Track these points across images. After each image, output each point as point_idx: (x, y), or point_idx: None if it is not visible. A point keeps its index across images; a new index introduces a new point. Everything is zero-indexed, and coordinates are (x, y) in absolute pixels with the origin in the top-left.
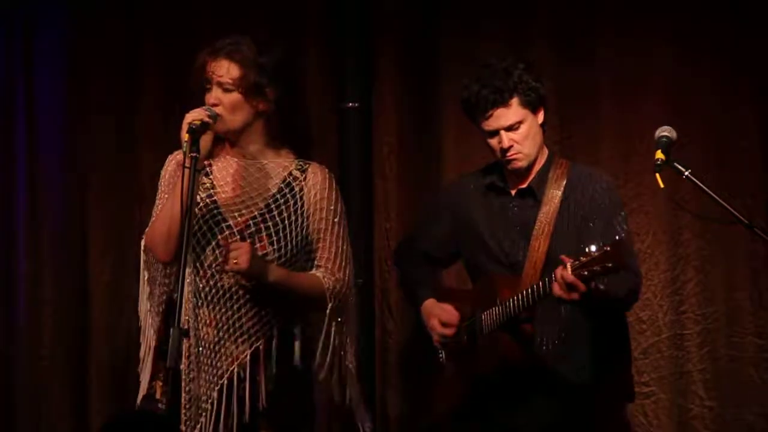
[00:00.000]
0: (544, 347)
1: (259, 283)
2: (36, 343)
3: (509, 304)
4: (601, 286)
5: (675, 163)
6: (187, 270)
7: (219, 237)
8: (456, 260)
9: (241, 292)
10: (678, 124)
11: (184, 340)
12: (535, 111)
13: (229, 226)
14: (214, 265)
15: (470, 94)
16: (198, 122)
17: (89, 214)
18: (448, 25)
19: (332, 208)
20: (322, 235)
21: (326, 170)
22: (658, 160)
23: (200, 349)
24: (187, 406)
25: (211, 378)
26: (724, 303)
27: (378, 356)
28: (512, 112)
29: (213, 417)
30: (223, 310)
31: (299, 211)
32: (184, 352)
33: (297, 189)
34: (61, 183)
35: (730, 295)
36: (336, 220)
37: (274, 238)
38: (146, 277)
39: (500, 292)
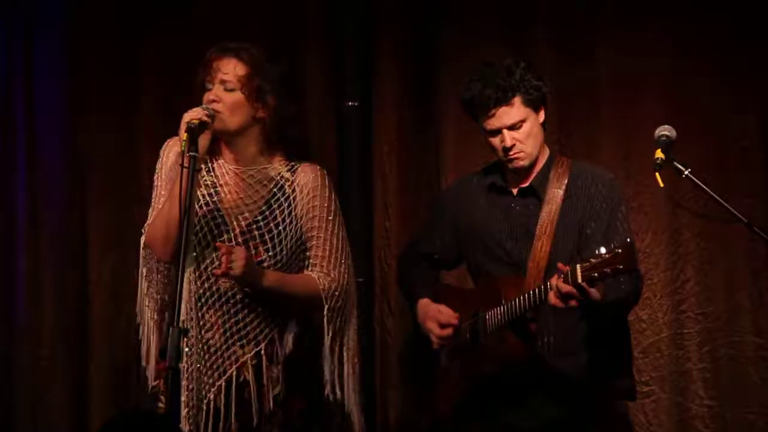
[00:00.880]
0: (547, 346)
1: (252, 288)
2: (36, 343)
3: (514, 303)
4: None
5: (675, 163)
6: (189, 270)
7: (219, 240)
8: (460, 263)
9: (239, 296)
10: (678, 124)
11: (187, 342)
12: (536, 110)
13: (228, 231)
14: (210, 269)
15: (472, 93)
16: (196, 121)
17: (89, 214)
18: (448, 25)
19: (325, 205)
20: (315, 233)
21: (317, 167)
22: (657, 159)
23: (203, 352)
24: (189, 407)
25: (210, 380)
26: (724, 302)
27: (378, 356)
28: (515, 110)
29: (212, 418)
30: (226, 314)
31: (292, 213)
32: (185, 353)
33: (289, 191)
34: (61, 183)
35: (730, 294)
36: (330, 217)
37: (269, 245)
38: (144, 273)
39: (504, 292)
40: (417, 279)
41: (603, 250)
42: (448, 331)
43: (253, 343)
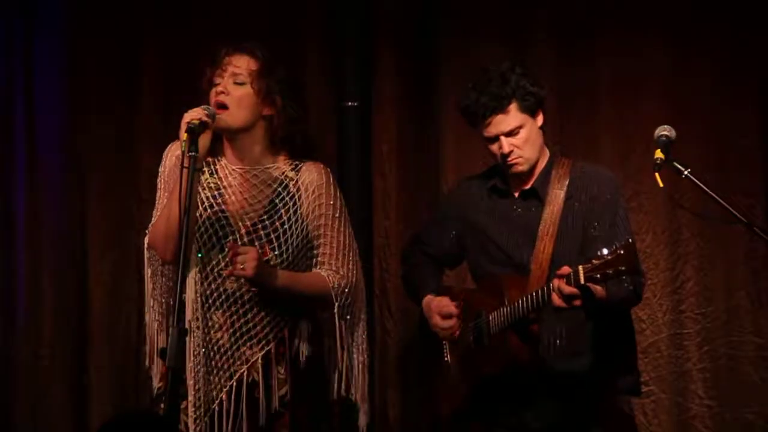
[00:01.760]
0: (550, 347)
1: (264, 288)
2: (36, 343)
3: (518, 305)
4: (605, 293)
5: (674, 163)
6: (194, 271)
7: (225, 242)
8: (461, 261)
9: (247, 296)
10: (678, 124)
11: (192, 342)
12: (534, 115)
13: (233, 231)
14: (216, 270)
15: (469, 101)
16: (197, 121)
17: (89, 214)
18: (448, 25)
19: (331, 203)
20: (322, 231)
21: (321, 166)
22: (657, 159)
23: (212, 353)
24: (196, 408)
25: (220, 381)
26: (724, 302)
27: (378, 356)
28: (511, 117)
29: (223, 418)
30: (234, 314)
31: (297, 212)
32: (191, 354)
33: (293, 190)
34: (61, 183)
35: (730, 294)
36: (336, 215)
37: (275, 244)
38: (149, 274)
39: (507, 293)
40: (421, 277)
41: (605, 251)
42: (451, 322)
43: (262, 342)
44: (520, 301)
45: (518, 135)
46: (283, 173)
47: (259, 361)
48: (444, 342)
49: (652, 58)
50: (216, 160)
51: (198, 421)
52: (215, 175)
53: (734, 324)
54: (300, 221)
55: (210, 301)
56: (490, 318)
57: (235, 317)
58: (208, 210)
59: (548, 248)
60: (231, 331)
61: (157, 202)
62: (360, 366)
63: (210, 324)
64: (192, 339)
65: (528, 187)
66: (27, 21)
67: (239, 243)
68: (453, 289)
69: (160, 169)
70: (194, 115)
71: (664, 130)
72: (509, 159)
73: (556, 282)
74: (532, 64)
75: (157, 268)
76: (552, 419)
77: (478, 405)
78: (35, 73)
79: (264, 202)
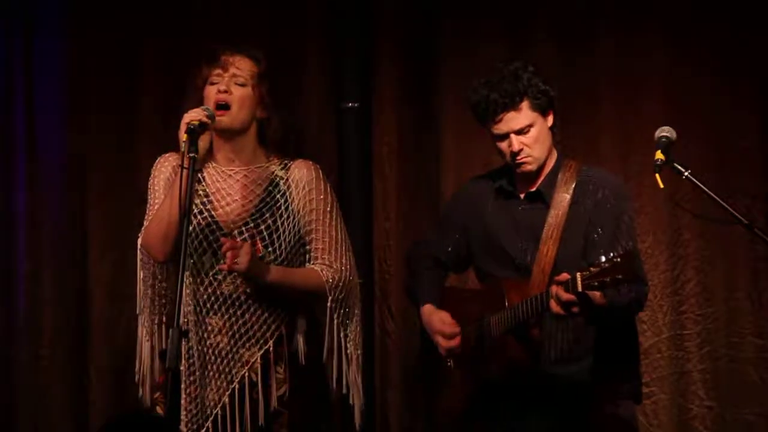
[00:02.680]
0: (551, 351)
1: (257, 283)
2: (36, 343)
3: (518, 309)
4: (604, 300)
5: (675, 164)
6: (186, 273)
7: (217, 245)
8: (468, 266)
9: (243, 297)
10: (678, 124)
11: (186, 345)
12: (544, 114)
13: (224, 235)
14: (211, 274)
15: (480, 98)
16: (196, 122)
17: (89, 214)
18: (448, 25)
19: (321, 197)
20: (314, 226)
21: (310, 163)
22: (657, 160)
23: (212, 357)
24: (194, 412)
25: (221, 384)
26: (724, 303)
27: (378, 356)
28: (522, 115)
29: (228, 422)
30: (232, 317)
31: (289, 209)
32: (185, 356)
33: (284, 187)
34: (61, 183)
35: (730, 295)
36: (327, 209)
37: (267, 241)
38: (142, 277)
39: (509, 297)
40: (423, 283)
41: (603, 258)
42: (455, 342)
43: (261, 342)
44: (520, 306)
45: (528, 134)
46: (273, 172)
47: (258, 361)
48: None
49: (652, 58)
50: (202, 167)
51: (192, 426)
52: (202, 182)
53: (735, 325)
54: (292, 218)
55: (207, 305)
56: (492, 321)
57: (233, 320)
58: (198, 217)
59: (551, 252)
60: (230, 334)
61: (148, 209)
62: (353, 361)
63: (208, 329)
64: (185, 343)
65: (534, 189)
66: (27, 21)
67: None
68: (457, 290)
69: (152, 175)
70: (194, 116)
71: (665, 131)
72: (518, 158)
73: (554, 288)
74: (539, 66)
75: (150, 270)
76: (552, 423)
77: (478, 408)
78: (35, 73)
79: (255, 201)
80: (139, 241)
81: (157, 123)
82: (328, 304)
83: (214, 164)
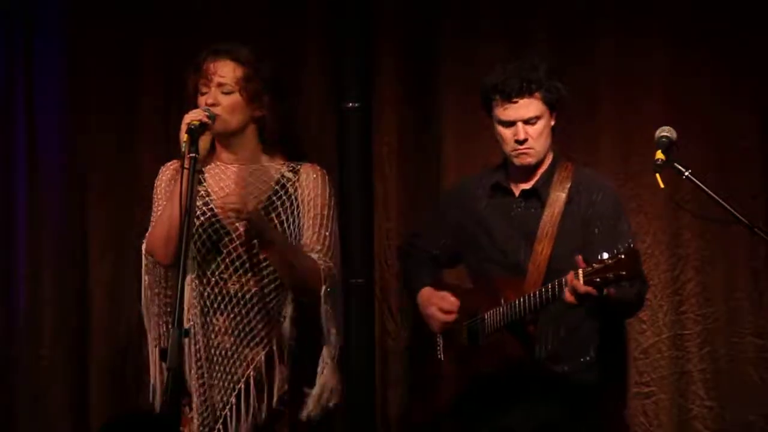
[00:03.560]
0: (545, 348)
1: (260, 237)
2: (36, 343)
3: (516, 305)
4: (612, 291)
5: (675, 164)
6: (191, 277)
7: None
8: (459, 261)
9: (247, 296)
10: (678, 124)
11: (193, 346)
12: (552, 111)
13: (228, 233)
14: (217, 274)
15: (497, 79)
16: (197, 123)
17: (89, 214)
18: (448, 25)
19: (325, 202)
20: (312, 222)
21: (318, 168)
22: (658, 160)
23: (216, 357)
24: (205, 414)
25: (227, 384)
26: (724, 303)
27: (378, 356)
28: (534, 105)
29: (234, 422)
30: (237, 316)
31: (295, 212)
32: (193, 357)
33: (291, 190)
34: (61, 183)
35: (730, 295)
36: (327, 213)
37: None
38: (147, 282)
39: (504, 294)
40: (418, 272)
41: (606, 255)
42: (451, 317)
43: (264, 342)
44: (516, 302)
45: (535, 125)
46: (281, 174)
47: (262, 360)
48: (438, 338)
49: (652, 58)
50: (203, 167)
51: (205, 428)
52: (204, 183)
53: (735, 325)
54: (297, 222)
55: (214, 305)
56: (486, 317)
57: (238, 319)
58: (201, 218)
59: (546, 250)
60: (235, 333)
61: (152, 215)
62: (329, 357)
63: (212, 329)
64: (193, 345)
65: (529, 186)
66: (27, 21)
67: (236, 243)
68: (451, 287)
69: (156, 182)
70: (194, 116)
71: (665, 131)
72: (520, 147)
73: (570, 278)
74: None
75: (156, 276)
76: (543, 420)
77: (471, 404)
78: (35, 73)
79: (261, 198)
80: (144, 246)
81: (157, 123)
82: (322, 292)
83: (217, 163)
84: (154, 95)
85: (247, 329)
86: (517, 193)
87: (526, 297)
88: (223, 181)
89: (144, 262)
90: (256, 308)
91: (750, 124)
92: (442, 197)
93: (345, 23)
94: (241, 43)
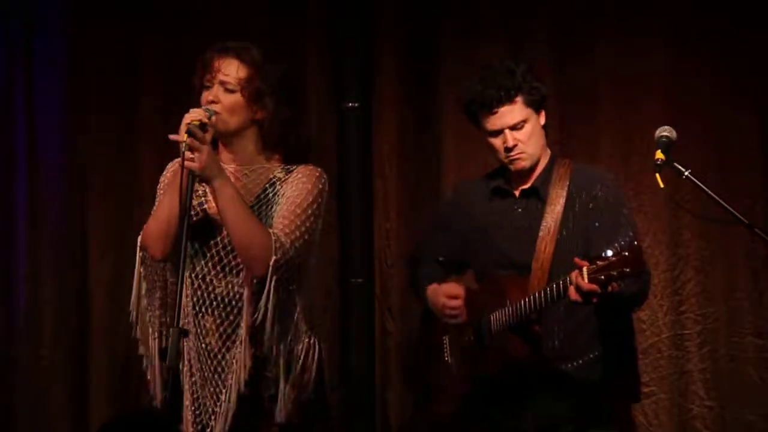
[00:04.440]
0: (551, 347)
1: (209, 184)
2: (36, 343)
3: (521, 305)
4: (616, 286)
5: (675, 163)
6: (186, 274)
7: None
8: (466, 268)
9: (235, 299)
10: (678, 124)
11: (186, 345)
12: (537, 111)
13: (215, 235)
14: (202, 275)
15: (474, 93)
16: (197, 122)
17: (89, 214)
18: (448, 25)
19: (305, 196)
20: (284, 207)
21: (312, 168)
22: (657, 160)
23: (205, 357)
24: (197, 413)
25: (216, 385)
26: (724, 303)
27: (378, 357)
28: (517, 110)
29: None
30: (225, 319)
31: (275, 207)
32: (185, 357)
33: (279, 187)
34: (61, 183)
35: (730, 295)
36: (304, 206)
37: None
38: (142, 274)
39: (509, 294)
40: (425, 274)
41: (609, 252)
42: (458, 302)
43: (250, 344)
44: (521, 302)
45: (523, 129)
46: (274, 174)
47: (249, 362)
48: (444, 339)
49: (652, 58)
50: None
51: (197, 427)
52: (204, 184)
53: (735, 325)
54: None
55: (199, 306)
56: (492, 318)
57: (225, 321)
58: (194, 217)
59: (549, 248)
60: (218, 334)
61: (153, 209)
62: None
63: (200, 330)
64: (185, 344)
65: (528, 186)
66: (27, 21)
67: (221, 245)
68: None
69: (160, 179)
70: (194, 116)
71: (665, 131)
72: (512, 153)
73: (574, 276)
74: (532, 64)
75: (151, 267)
76: (551, 420)
77: (477, 405)
78: (35, 73)
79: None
80: (139, 239)
81: (157, 123)
82: (271, 262)
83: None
84: (154, 95)
85: (229, 330)
86: (517, 193)
87: (531, 297)
88: None
89: (139, 254)
90: (238, 310)
91: (750, 124)
92: (442, 206)
93: (345, 23)
94: (248, 42)
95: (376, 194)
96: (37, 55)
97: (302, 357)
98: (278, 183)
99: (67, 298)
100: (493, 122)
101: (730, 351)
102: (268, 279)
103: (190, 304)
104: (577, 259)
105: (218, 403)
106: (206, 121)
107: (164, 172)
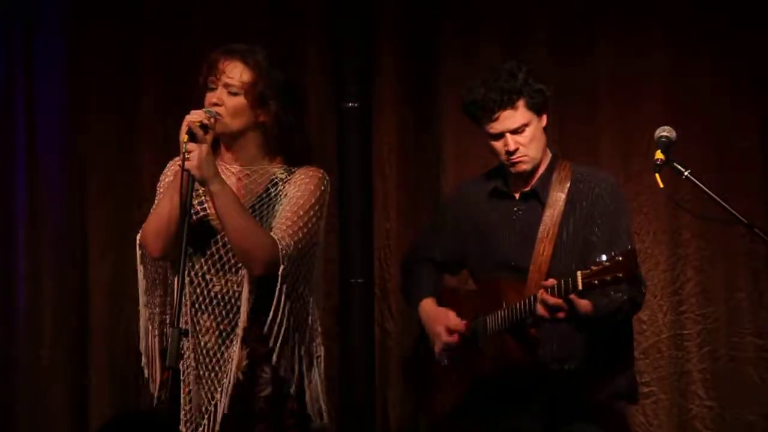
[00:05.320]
0: (549, 352)
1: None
2: (36, 343)
3: (515, 308)
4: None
5: (674, 163)
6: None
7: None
8: (463, 267)
9: (230, 297)
10: (678, 124)
11: (184, 343)
12: (539, 114)
13: (213, 234)
14: (201, 274)
15: (475, 96)
16: (198, 123)
17: (89, 214)
18: (448, 25)
19: (308, 198)
20: (287, 209)
21: (315, 170)
22: (657, 160)
23: (200, 356)
24: (192, 411)
25: (212, 383)
26: (724, 303)
27: (378, 357)
28: (518, 114)
29: (219, 421)
30: (221, 317)
31: (276, 207)
32: (183, 355)
33: (281, 187)
34: (61, 183)
35: (730, 295)
36: (306, 208)
37: None
38: (143, 272)
39: (505, 296)
40: (419, 281)
41: (604, 257)
42: (455, 338)
43: (246, 343)
44: (517, 305)
45: (524, 133)
46: (276, 175)
47: (244, 361)
48: None
49: (652, 58)
50: None
51: (190, 425)
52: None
53: (735, 325)
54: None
55: (197, 304)
56: (488, 320)
57: (219, 319)
58: (193, 216)
59: (547, 251)
60: (217, 333)
61: (153, 207)
62: (307, 357)
63: (198, 328)
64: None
65: (528, 188)
66: (27, 21)
67: (221, 243)
68: (454, 290)
69: (161, 177)
70: (195, 117)
71: (665, 131)
72: (513, 157)
73: (541, 293)
74: (534, 66)
75: (150, 265)
76: (545, 422)
77: (474, 407)
78: (35, 73)
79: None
80: (138, 237)
81: (157, 123)
82: (280, 271)
83: (219, 163)
84: (154, 95)
85: (228, 329)
86: (516, 195)
87: (525, 300)
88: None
89: (138, 252)
90: (237, 309)
91: (750, 124)
92: (441, 206)
93: (345, 23)
94: (256, 45)
95: (376, 194)
96: (37, 55)
97: (320, 354)
98: (280, 183)
99: (67, 298)
100: (495, 126)
101: (730, 351)
102: (278, 287)
103: (188, 302)
104: (550, 280)
105: (213, 402)
106: (207, 122)
107: (165, 170)
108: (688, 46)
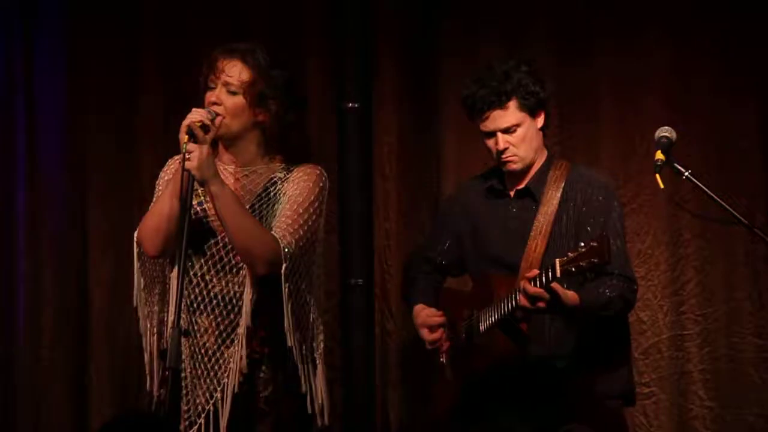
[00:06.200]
0: (539, 345)
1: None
2: (36, 343)
3: (503, 303)
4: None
5: (675, 164)
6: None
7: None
8: (465, 270)
9: (230, 298)
10: (678, 124)
11: (183, 343)
12: (533, 115)
13: (213, 235)
14: (200, 274)
15: (469, 93)
16: (197, 123)
17: (89, 214)
18: (448, 25)
19: (307, 197)
20: (287, 208)
21: (313, 168)
22: (657, 160)
23: (199, 356)
24: (190, 411)
25: (210, 383)
26: (724, 303)
27: (378, 357)
28: (509, 114)
29: (217, 421)
30: (219, 317)
31: (276, 206)
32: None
33: (279, 186)
34: (61, 183)
35: (730, 295)
36: (306, 206)
37: None
38: (139, 269)
39: (497, 292)
40: (418, 286)
41: (582, 244)
42: (437, 335)
43: (245, 343)
44: (504, 299)
45: (515, 133)
46: (275, 174)
47: (244, 361)
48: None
49: (652, 58)
50: None
51: (189, 426)
52: None
53: (735, 325)
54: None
55: (195, 305)
56: (481, 316)
57: (219, 319)
58: (193, 217)
59: (540, 247)
60: (216, 333)
61: (152, 204)
62: (312, 355)
63: (196, 328)
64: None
65: (522, 186)
66: (27, 21)
67: (221, 243)
68: (452, 291)
69: (160, 174)
70: (195, 117)
71: (665, 131)
72: (503, 156)
73: (522, 282)
74: (534, 65)
75: (147, 263)
76: (542, 419)
77: (468, 405)
78: (35, 73)
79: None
80: (135, 235)
81: (157, 123)
82: (282, 270)
83: (218, 163)
84: (154, 95)
85: (228, 329)
86: (511, 194)
87: (513, 293)
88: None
89: (135, 249)
90: (236, 310)
91: (750, 124)
92: (441, 206)
93: (345, 23)
94: (256, 44)
95: (376, 194)
96: (37, 55)
97: (321, 353)
98: (279, 182)
99: (67, 298)
100: (486, 125)
101: (730, 351)
102: (283, 286)
103: (187, 302)
104: (532, 271)
105: (211, 402)
106: (207, 122)
107: (164, 168)
108: (688, 46)
